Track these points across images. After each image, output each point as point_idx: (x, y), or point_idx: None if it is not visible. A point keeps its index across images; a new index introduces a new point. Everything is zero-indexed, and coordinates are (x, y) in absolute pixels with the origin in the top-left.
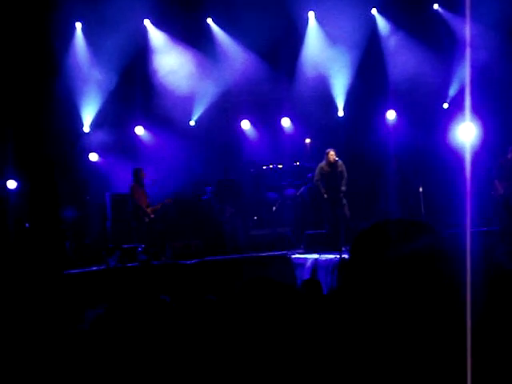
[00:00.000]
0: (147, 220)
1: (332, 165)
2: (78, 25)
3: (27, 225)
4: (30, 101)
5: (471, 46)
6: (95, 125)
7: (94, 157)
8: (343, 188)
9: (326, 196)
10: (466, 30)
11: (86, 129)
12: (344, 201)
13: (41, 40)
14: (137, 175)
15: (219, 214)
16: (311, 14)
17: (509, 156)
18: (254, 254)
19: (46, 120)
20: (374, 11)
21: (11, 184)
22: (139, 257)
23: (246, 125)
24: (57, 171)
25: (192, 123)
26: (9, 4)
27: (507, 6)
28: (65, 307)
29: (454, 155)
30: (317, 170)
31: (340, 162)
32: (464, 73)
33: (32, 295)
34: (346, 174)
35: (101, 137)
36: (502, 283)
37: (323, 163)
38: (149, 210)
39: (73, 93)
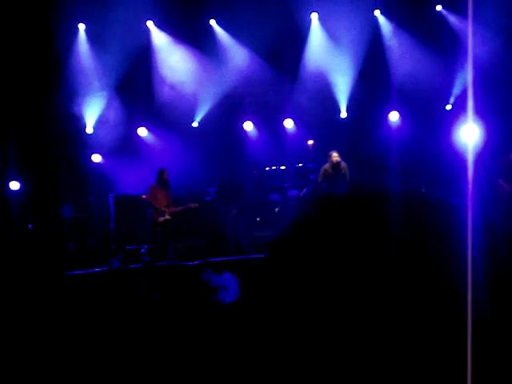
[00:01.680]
0: (161, 220)
1: (335, 167)
2: (82, 26)
3: (30, 226)
4: (33, 102)
5: (473, 47)
6: (98, 126)
7: (96, 158)
8: (345, 191)
9: None
10: (468, 31)
11: (89, 130)
12: None
13: (44, 41)
14: (158, 176)
15: (222, 216)
16: (314, 15)
17: (511, 156)
18: (257, 256)
19: (49, 121)
20: (376, 12)
21: (14, 185)
22: (142, 258)
23: (248, 126)
24: (60, 172)
25: (195, 124)
26: (12, 5)
27: (509, 7)
28: (67, 308)
29: (457, 157)
30: (321, 172)
31: (343, 164)
32: (467, 74)
33: (35, 296)
34: (348, 177)
35: (104, 138)
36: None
37: (327, 165)
38: (167, 210)
39: (76, 94)
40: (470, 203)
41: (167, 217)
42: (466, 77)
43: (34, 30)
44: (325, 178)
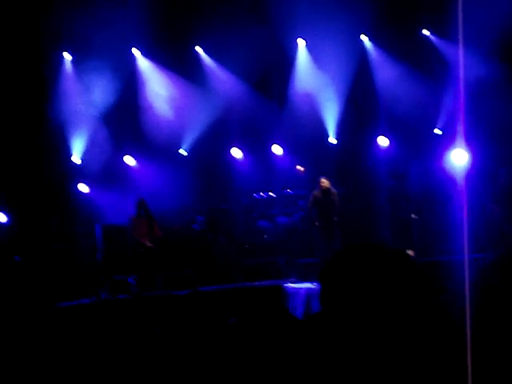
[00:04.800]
0: (142, 250)
1: (325, 193)
2: (67, 55)
3: (16, 258)
4: (19, 131)
5: (462, 71)
6: (84, 155)
7: (83, 187)
8: (335, 219)
9: (317, 224)
10: (459, 55)
11: (76, 159)
12: (336, 230)
13: (30, 70)
14: (137, 206)
15: (211, 244)
16: (300, 41)
17: (501, 180)
18: (247, 284)
19: (36, 151)
20: (363, 37)
21: (1, 217)
22: (130, 288)
23: (237, 153)
24: (47, 203)
25: (182, 151)
26: None
27: (497, 30)
28: (57, 341)
29: (447, 181)
30: (310, 198)
31: (333, 191)
32: (455, 98)
33: (25, 329)
34: (337, 204)
35: (90, 167)
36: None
37: (317, 191)
38: (146, 239)
39: (62, 123)
40: (465, 227)
41: (148, 244)
42: (454, 101)
43: (20, 59)
44: (315, 204)
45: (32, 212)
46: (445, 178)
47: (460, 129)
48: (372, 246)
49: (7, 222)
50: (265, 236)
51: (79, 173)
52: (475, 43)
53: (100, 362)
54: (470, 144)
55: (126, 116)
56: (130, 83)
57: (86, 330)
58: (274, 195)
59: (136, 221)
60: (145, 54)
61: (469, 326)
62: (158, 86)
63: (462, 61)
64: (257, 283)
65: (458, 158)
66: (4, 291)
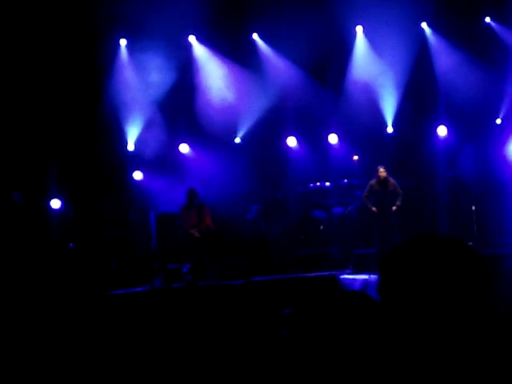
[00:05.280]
0: (192, 240)
1: (382, 183)
2: (123, 41)
3: (71, 245)
4: (75, 119)
5: None
6: (139, 143)
7: (138, 175)
8: (398, 203)
9: (374, 209)
10: None
11: (131, 147)
12: (393, 219)
13: (86, 57)
14: (187, 196)
15: (265, 233)
16: (359, 28)
17: None
18: (302, 275)
19: (91, 138)
20: (423, 25)
21: (55, 203)
22: (184, 277)
23: (292, 141)
24: (101, 190)
25: (237, 140)
26: (54, 23)
27: None
28: (109, 328)
29: (507, 171)
30: (367, 187)
31: (392, 181)
32: None
33: (77, 315)
34: (400, 192)
35: (144, 154)
36: None
37: (374, 180)
38: (195, 230)
39: (118, 110)
40: None
41: (197, 235)
42: None
43: (76, 45)
44: (371, 193)
45: (86, 198)
46: (505, 168)
47: None
48: (433, 237)
49: (61, 208)
50: (320, 226)
51: (133, 159)
52: None
53: (152, 350)
54: None
55: (181, 103)
56: (186, 70)
57: (140, 319)
58: (330, 185)
59: (185, 211)
60: (201, 40)
61: None
62: (213, 73)
63: None
64: (311, 274)
65: None
66: (58, 277)
